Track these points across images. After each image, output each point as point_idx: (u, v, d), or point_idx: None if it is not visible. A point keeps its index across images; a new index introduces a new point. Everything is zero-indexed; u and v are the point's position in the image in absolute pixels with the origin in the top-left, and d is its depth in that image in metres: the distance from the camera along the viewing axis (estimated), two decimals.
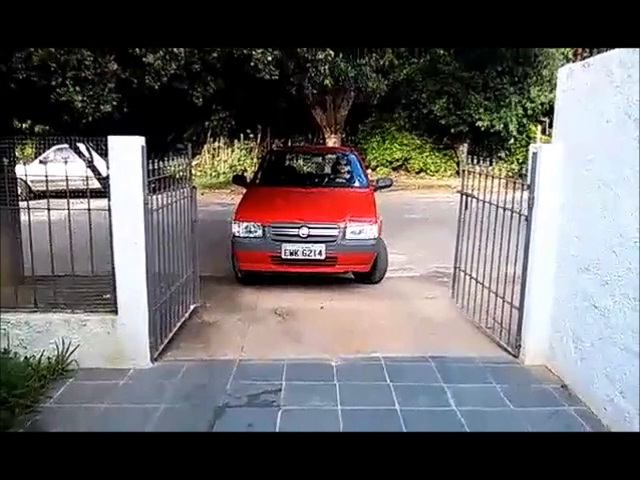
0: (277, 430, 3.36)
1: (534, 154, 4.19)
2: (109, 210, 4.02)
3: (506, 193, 4.66)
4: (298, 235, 6.00)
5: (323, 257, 6.00)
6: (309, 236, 6.00)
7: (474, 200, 5.13)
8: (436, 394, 3.84)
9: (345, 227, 6.08)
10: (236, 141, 19.22)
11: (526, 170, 4.34)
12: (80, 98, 5.37)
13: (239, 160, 18.69)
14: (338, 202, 6.87)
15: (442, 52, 17.00)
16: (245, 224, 6.14)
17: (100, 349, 4.17)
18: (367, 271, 6.36)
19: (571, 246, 3.97)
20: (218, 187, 16.57)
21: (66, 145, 8.12)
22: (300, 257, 5.99)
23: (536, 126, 18.77)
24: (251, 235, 6.11)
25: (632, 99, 3.25)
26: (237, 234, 6.17)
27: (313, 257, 6.00)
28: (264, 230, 6.07)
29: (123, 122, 6.21)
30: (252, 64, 5.93)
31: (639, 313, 3.15)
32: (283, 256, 5.99)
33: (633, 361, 3.19)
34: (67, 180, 4.23)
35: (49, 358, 4.09)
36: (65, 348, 4.14)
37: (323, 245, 5.98)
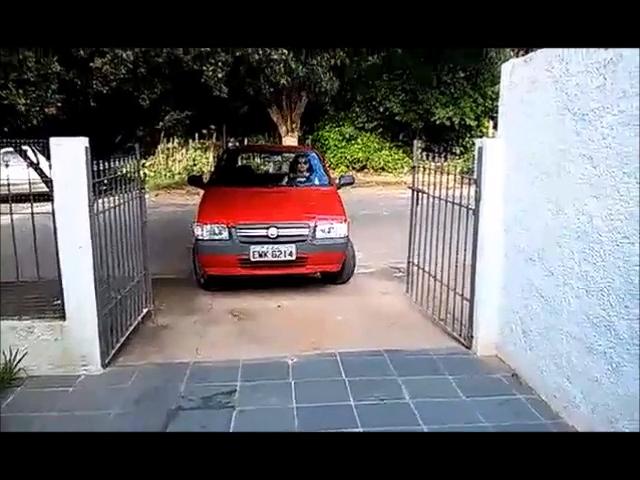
0: (231, 431, 3.33)
1: (480, 149, 4.27)
2: (53, 214, 3.92)
3: (461, 188, 4.72)
4: (267, 236, 5.79)
5: (294, 258, 5.82)
6: (278, 236, 5.81)
7: (425, 195, 5.20)
8: (390, 387, 3.87)
9: (315, 226, 5.90)
10: (191, 141, 19.00)
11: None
12: (23, 101, 5.22)
13: (194, 160, 18.48)
14: (305, 201, 6.72)
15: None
16: (209, 226, 5.86)
17: (49, 356, 4.06)
18: (337, 271, 6.22)
19: (517, 238, 4.06)
20: (173, 187, 16.33)
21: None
22: (270, 259, 5.79)
23: (489, 121, 19.14)
24: (216, 237, 5.84)
25: (571, 93, 3.34)
26: (201, 237, 5.88)
27: (283, 258, 5.80)
28: (230, 232, 5.81)
29: (70, 123, 6.08)
30: (202, 80, 5.86)
31: (583, 302, 3.24)
32: (252, 258, 5.77)
33: (578, 348, 3.29)
34: (9, 185, 4.12)
35: None
36: (12, 356, 4.02)
37: (293, 245, 5.80)
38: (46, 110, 5.59)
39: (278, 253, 5.80)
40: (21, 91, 5.19)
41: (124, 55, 5.35)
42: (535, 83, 3.81)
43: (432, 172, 5.06)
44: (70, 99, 5.60)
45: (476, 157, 4.34)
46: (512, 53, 17.69)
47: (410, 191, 5.62)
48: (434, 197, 4.96)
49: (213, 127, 19.06)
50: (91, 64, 5.43)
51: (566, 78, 3.39)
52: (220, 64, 5.74)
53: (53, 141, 3.84)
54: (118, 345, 4.44)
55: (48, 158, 3.99)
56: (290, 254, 5.81)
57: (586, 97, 3.18)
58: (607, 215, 3.00)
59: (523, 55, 4.09)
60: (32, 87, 5.29)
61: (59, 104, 5.57)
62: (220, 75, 5.79)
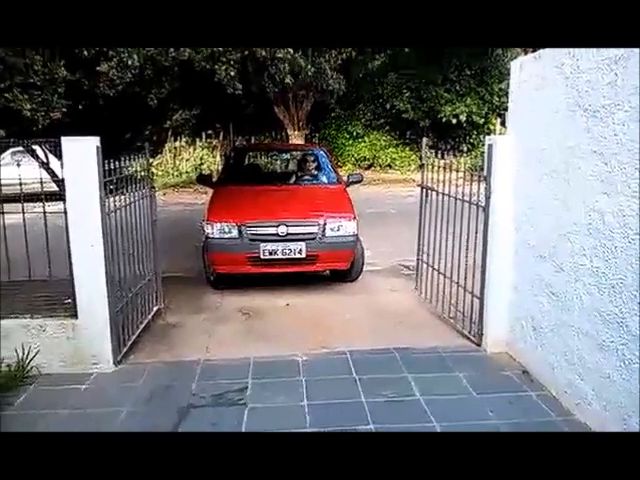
0: (243, 428, 3.35)
1: (489, 146, 4.27)
2: (65, 213, 3.94)
3: (470, 185, 4.71)
4: (277, 234, 5.81)
5: (304, 255, 5.83)
6: (288, 234, 5.82)
7: (434, 193, 5.19)
8: (400, 385, 3.88)
9: (324, 224, 5.92)
10: (198, 140, 19.04)
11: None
12: (29, 106, 5.23)
13: (202, 159, 18.51)
14: (313, 199, 6.74)
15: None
16: (219, 225, 5.88)
17: (61, 354, 4.10)
18: (346, 269, 6.23)
19: (527, 235, 4.05)
20: (181, 186, 16.36)
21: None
22: (280, 257, 5.81)
23: (496, 118, 19.06)
24: (226, 236, 5.86)
25: (581, 89, 3.33)
26: (211, 235, 5.91)
27: (293, 256, 5.81)
28: (240, 230, 5.83)
29: (78, 123, 6.10)
30: (216, 79, 5.88)
31: (594, 298, 3.24)
32: (262, 256, 5.79)
33: (590, 344, 3.28)
34: (21, 184, 4.16)
35: (9, 365, 4.00)
36: (25, 354, 4.05)
37: (303, 243, 5.81)
38: (51, 114, 5.62)
39: (288, 251, 5.81)
40: (26, 96, 5.21)
41: (129, 62, 5.37)
42: (544, 80, 3.80)
43: (441, 169, 5.05)
44: (78, 100, 5.62)
45: (486, 154, 4.33)
46: (520, 50, 17.61)
47: (418, 189, 5.62)
48: (443, 194, 4.95)
49: (220, 126, 19.08)
50: (98, 68, 5.45)
51: (576, 75, 3.38)
52: (232, 62, 5.75)
53: (65, 140, 3.86)
54: (129, 343, 4.46)
55: (59, 157, 4.01)
56: (300, 252, 5.82)
57: (597, 93, 3.17)
58: (618, 211, 3.00)
59: (532, 52, 4.06)
60: (38, 91, 5.32)
61: (64, 109, 5.59)
62: (232, 73, 5.81)
